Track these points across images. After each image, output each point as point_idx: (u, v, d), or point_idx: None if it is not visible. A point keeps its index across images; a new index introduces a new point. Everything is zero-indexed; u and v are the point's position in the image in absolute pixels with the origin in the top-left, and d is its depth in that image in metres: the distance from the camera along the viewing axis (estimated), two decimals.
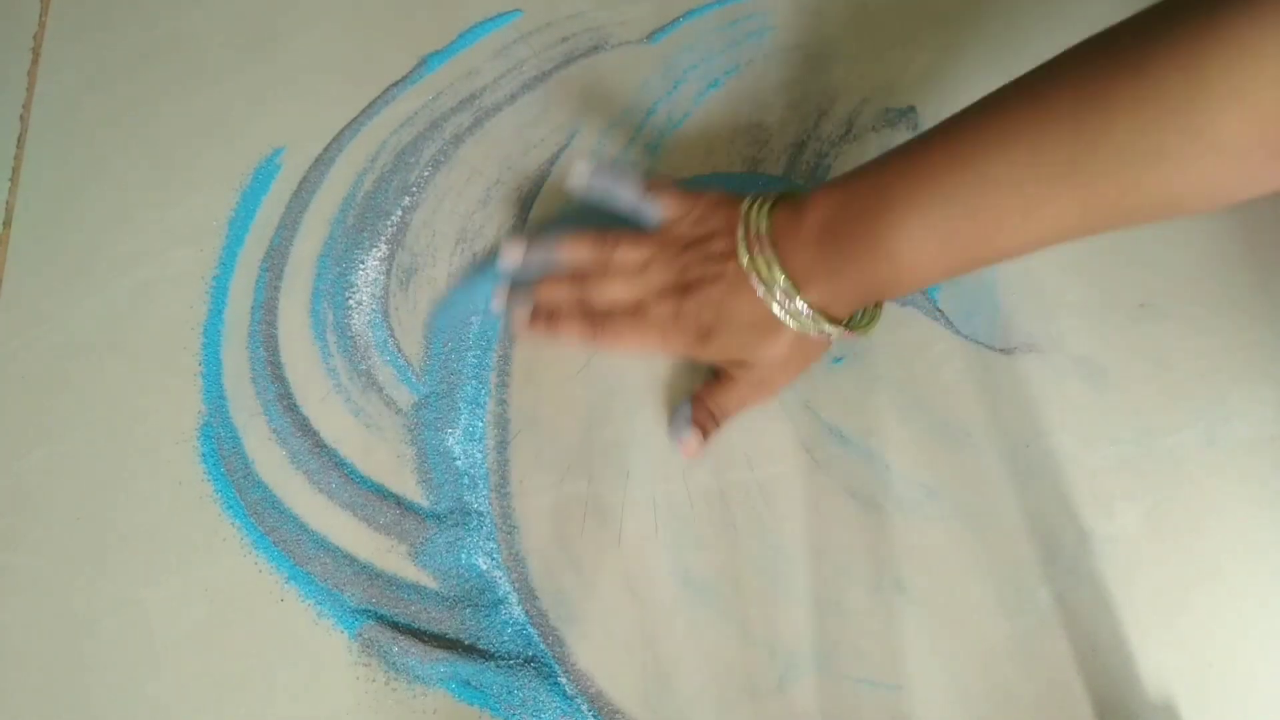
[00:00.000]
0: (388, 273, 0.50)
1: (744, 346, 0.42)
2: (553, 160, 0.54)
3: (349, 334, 0.49)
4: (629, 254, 0.44)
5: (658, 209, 0.45)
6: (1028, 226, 0.36)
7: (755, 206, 0.42)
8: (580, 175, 0.45)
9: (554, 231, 0.46)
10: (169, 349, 0.48)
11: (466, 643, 0.41)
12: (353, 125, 0.55)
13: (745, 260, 0.41)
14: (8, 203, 0.52)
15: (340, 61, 0.58)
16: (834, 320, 0.41)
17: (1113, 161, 0.33)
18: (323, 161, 0.53)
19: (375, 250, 0.51)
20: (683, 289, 0.42)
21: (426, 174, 0.53)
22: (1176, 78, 0.32)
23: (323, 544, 0.44)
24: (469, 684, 0.41)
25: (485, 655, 0.41)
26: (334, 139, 0.54)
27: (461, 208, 0.52)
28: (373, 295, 0.50)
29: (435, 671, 0.41)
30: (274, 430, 0.46)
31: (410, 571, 0.43)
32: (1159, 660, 0.41)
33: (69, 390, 0.47)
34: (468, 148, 0.54)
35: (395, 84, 0.56)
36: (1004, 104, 0.37)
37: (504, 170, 0.54)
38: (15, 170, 0.53)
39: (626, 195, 0.45)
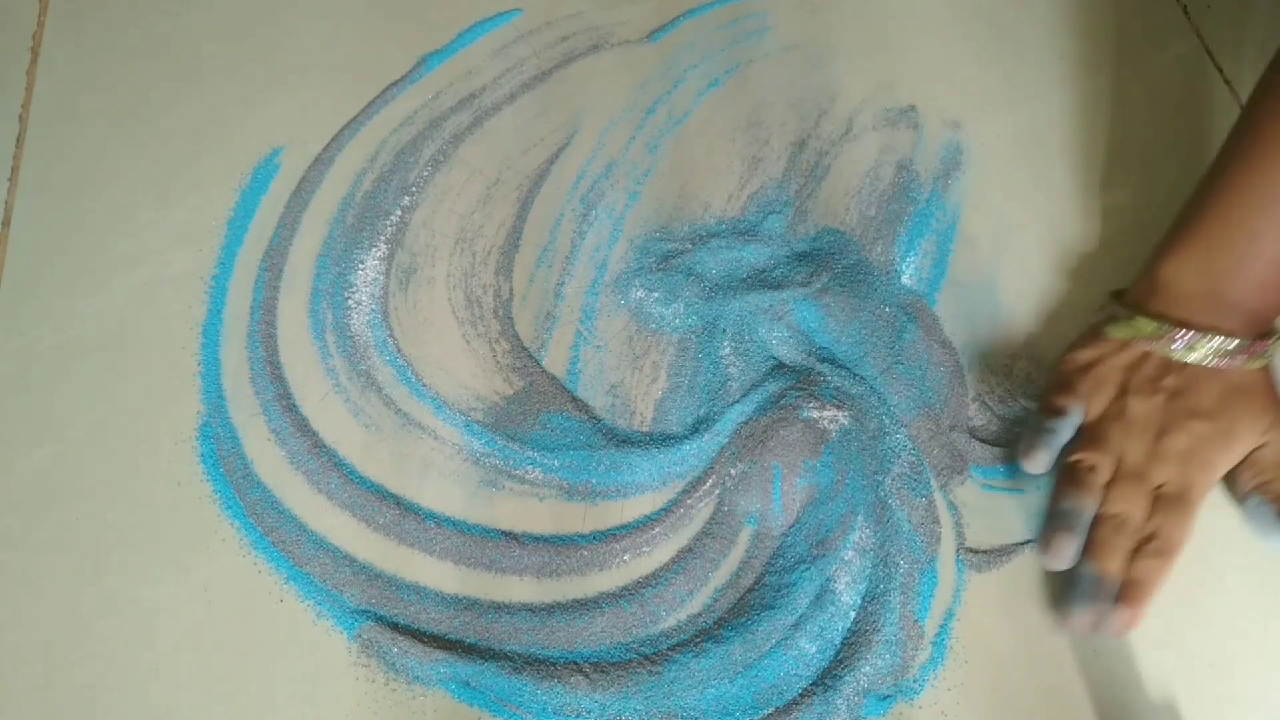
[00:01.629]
0: (387, 273, 0.50)
1: (1252, 413, 0.42)
2: (552, 159, 0.54)
3: (348, 334, 0.49)
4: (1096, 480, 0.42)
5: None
6: None
7: (1126, 325, 0.44)
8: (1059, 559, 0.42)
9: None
10: (169, 349, 0.48)
11: (467, 643, 0.41)
12: (352, 125, 0.55)
13: (1177, 354, 0.42)
14: (7, 203, 0.52)
15: (340, 61, 0.58)
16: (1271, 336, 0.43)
17: None
18: (322, 161, 0.53)
19: (375, 250, 0.51)
20: (1173, 441, 0.42)
21: (426, 174, 0.53)
22: None
23: (322, 544, 0.43)
24: (469, 684, 0.41)
25: (485, 655, 0.41)
26: (333, 139, 0.54)
27: (461, 207, 0.52)
28: (372, 295, 0.50)
29: (435, 672, 0.41)
30: (273, 430, 0.46)
31: (410, 572, 0.43)
32: (1159, 660, 0.41)
33: (68, 390, 0.47)
34: (467, 147, 0.54)
35: (394, 83, 0.56)
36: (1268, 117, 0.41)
37: (504, 170, 0.54)
38: (15, 170, 0.53)
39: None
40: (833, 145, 0.55)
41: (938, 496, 0.45)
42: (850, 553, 0.43)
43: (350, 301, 0.49)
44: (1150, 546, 0.41)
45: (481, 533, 0.44)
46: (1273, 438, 0.42)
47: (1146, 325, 0.43)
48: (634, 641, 0.42)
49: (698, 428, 0.46)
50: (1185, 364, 0.42)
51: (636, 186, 0.53)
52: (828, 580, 0.42)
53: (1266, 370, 0.43)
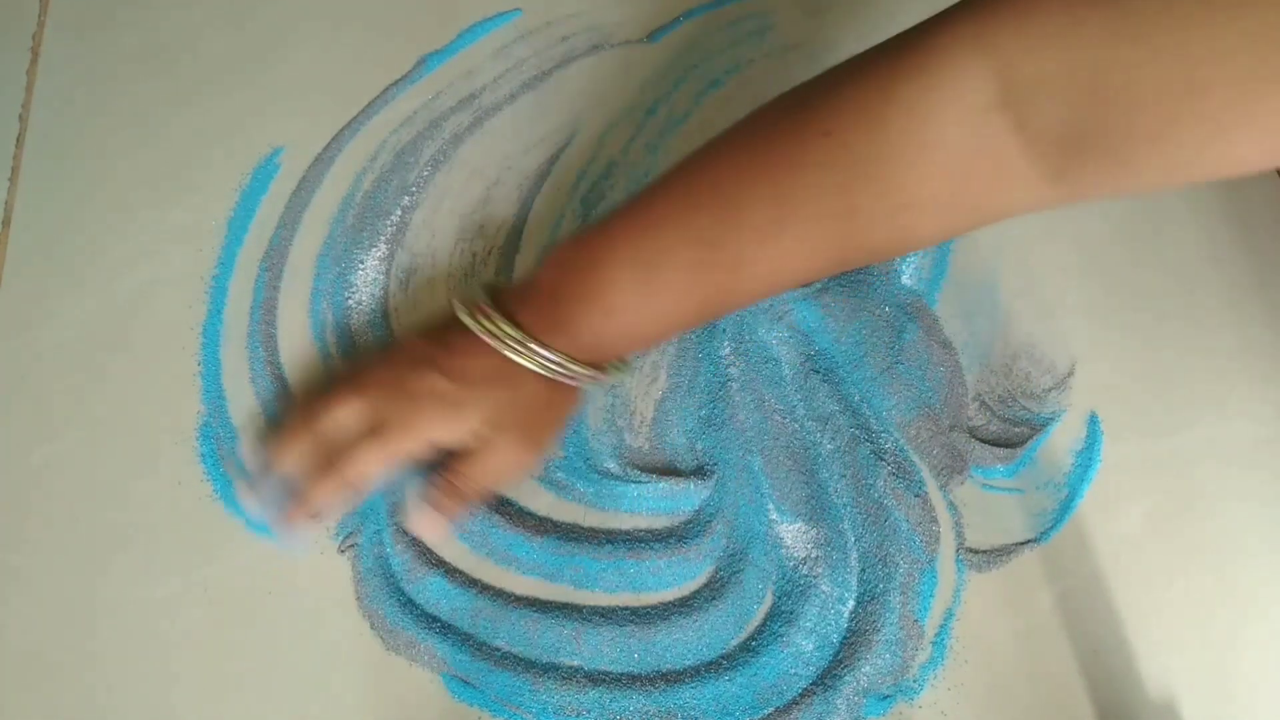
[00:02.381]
0: (387, 273, 0.50)
1: (494, 400, 0.39)
2: (553, 160, 0.54)
3: (348, 334, 0.48)
4: (339, 390, 0.41)
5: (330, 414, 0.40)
6: (739, 282, 0.37)
7: (462, 291, 0.42)
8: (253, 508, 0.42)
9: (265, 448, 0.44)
10: (168, 349, 0.48)
11: (462, 629, 0.41)
12: (352, 125, 0.55)
13: (471, 322, 0.39)
14: (7, 203, 0.52)
15: (340, 61, 0.58)
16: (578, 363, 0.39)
17: (806, 224, 0.34)
18: (322, 161, 0.53)
19: (375, 250, 0.51)
20: (404, 382, 0.40)
21: (426, 173, 0.53)
22: (862, 141, 0.33)
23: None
24: (468, 684, 0.41)
25: (484, 652, 0.41)
26: (333, 139, 0.54)
27: (461, 207, 0.52)
28: (372, 295, 0.50)
29: (424, 587, 0.42)
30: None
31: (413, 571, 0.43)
32: (1159, 660, 0.41)
33: (68, 390, 0.47)
34: (467, 147, 0.54)
35: (394, 84, 0.56)
36: (693, 168, 0.38)
37: (504, 170, 0.54)
38: (15, 170, 0.53)
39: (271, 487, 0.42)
40: None
41: (937, 496, 0.45)
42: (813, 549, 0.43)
43: (350, 301, 0.49)
44: (332, 462, 0.39)
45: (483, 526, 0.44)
46: (496, 442, 0.40)
47: (508, 329, 0.39)
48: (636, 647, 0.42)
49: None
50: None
51: (636, 187, 0.53)
52: (804, 576, 0.42)
53: (563, 395, 0.41)
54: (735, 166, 0.36)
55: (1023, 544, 0.44)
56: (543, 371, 0.39)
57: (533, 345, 0.39)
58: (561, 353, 0.39)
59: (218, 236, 0.51)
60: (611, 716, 0.40)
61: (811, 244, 0.35)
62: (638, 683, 0.41)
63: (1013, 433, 0.46)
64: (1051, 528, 0.44)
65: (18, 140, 0.54)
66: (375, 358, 0.43)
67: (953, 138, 0.32)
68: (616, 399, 0.47)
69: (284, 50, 0.58)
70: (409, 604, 0.42)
